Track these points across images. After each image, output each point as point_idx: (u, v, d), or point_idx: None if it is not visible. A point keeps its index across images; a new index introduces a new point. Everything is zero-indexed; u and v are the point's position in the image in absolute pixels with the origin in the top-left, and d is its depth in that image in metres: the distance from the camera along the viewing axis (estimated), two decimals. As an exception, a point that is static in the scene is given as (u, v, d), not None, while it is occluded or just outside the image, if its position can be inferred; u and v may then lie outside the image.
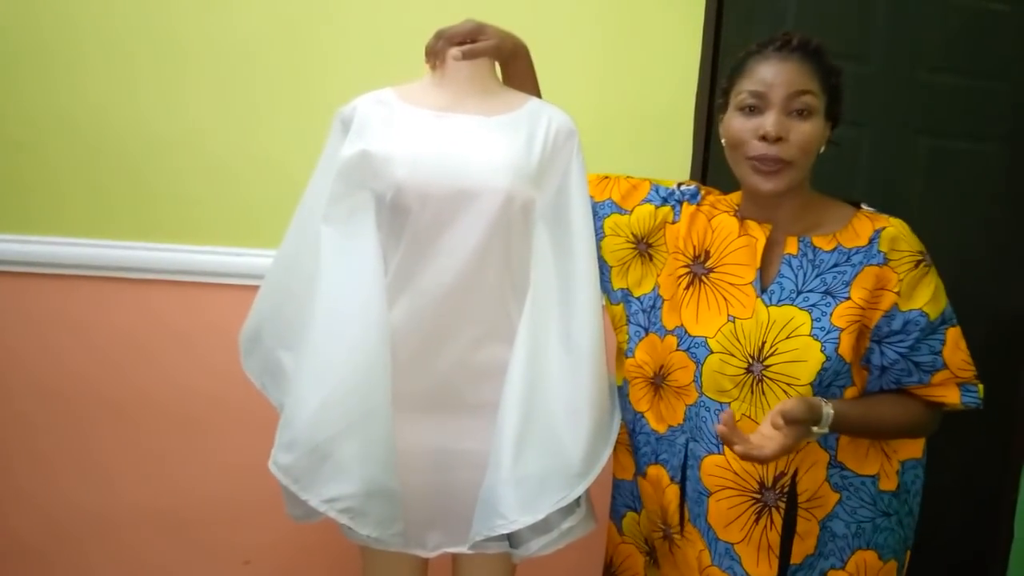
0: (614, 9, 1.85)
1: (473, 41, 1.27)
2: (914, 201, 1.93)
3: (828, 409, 1.11)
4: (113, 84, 1.85)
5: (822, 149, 1.21)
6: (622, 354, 1.34)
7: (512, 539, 1.29)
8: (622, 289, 1.34)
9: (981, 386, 1.22)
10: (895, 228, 1.20)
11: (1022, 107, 1.92)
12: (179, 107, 1.86)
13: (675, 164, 1.88)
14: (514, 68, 1.36)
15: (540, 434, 1.21)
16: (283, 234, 1.36)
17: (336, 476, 1.17)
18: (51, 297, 1.90)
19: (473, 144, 1.24)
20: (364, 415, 1.19)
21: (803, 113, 1.16)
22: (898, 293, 1.16)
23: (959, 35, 1.89)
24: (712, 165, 1.91)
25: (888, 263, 1.17)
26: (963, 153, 1.94)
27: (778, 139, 1.16)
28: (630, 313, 1.33)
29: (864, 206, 1.25)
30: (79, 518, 1.98)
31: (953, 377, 1.20)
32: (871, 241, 1.19)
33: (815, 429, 1.11)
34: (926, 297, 1.17)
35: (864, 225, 1.21)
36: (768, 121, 1.16)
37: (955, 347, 1.19)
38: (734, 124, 1.20)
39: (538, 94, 1.39)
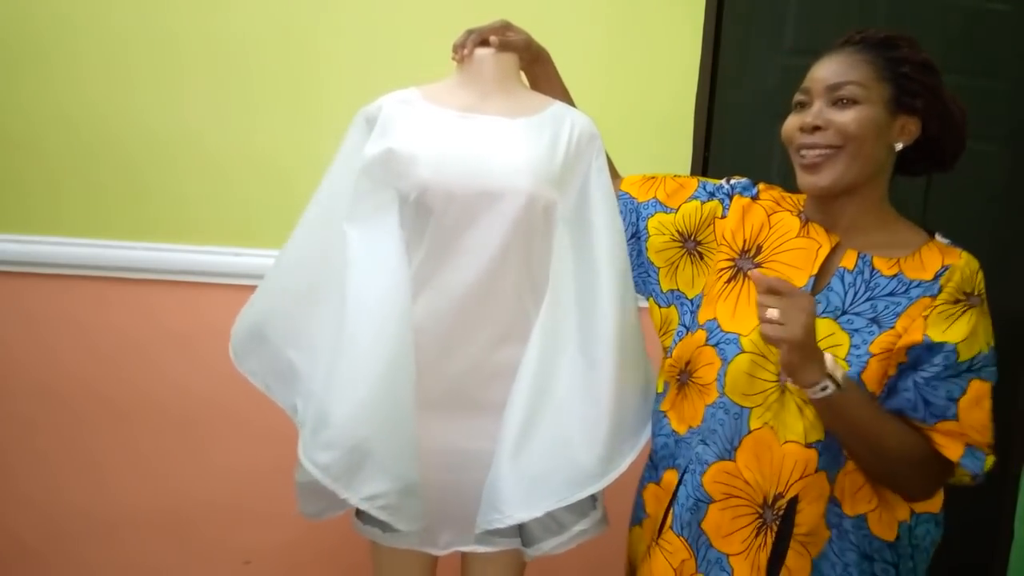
0: (614, 9, 1.85)
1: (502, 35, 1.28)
2: (914, 201, 1.93)
3: (834, 362, 1.03)
4: (111, 84, 1.85)
5: (899, 146, 1.16)
6: (665, 357, 1.29)
7: (524, 538, 1.30)
8: (672, 291, 1.29)
9: (991, 458, 1.10)
10: (962, 263, 1.12)
11: (1022, 107, 1.92)
12: (177, 107, 1.86)
13: (675, 164, 1.87)
14: (541, 72, 1.36)
15: (546, 433, 1.20)
16: (281, 234, 1.35)
17: (375, 474, 1.17)
18: (49, 297, 1.90)
19: (497, 145, 1.23)
20: (396, 412, 1.19)
21: (846, 102, 1.13)
22: (925, 318, 1.08)
23: (959, 35, 1.89)
24: (712, 165, 1.91)
25: (937, 295, 1.10)
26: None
27: (816, 128, 1.13)
28: (682, 315, 1.27)
29: (938, 236, 1.17)
30: (78, 518, 1.97)
31: (962, 435, 1.08)
32: (936, 277, 1.11)
33: (824, 377, 1.01)
34: (960, 335, 1.08)
35: (933, 257, 1.13)
36: (811, 112, 1.14)
37: (975, 404, 1.08)
38: (786, 123, 1.19)
39: (570, 100, 1.38)
